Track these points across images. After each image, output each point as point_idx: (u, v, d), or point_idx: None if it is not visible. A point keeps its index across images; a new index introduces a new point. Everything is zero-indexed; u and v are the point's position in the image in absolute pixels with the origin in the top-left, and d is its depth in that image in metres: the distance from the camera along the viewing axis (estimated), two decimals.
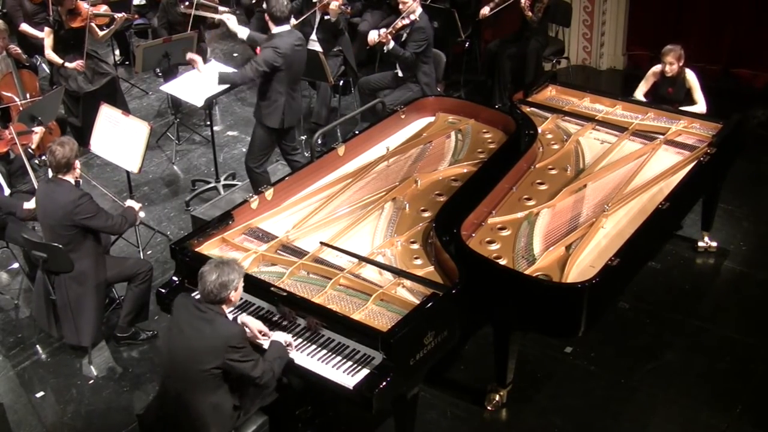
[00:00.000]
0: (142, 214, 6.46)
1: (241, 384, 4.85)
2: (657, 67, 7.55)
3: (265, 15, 7.30)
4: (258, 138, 7.69)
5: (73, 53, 8.82)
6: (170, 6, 9.62)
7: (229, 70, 7.58)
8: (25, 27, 9.49)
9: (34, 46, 9.52)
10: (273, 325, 5.17)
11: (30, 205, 6.66)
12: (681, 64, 7.36)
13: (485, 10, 9.59)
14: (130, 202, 6.44)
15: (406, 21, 8.40)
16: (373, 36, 8.56)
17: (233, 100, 10.36)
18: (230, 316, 5.10)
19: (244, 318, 5.11)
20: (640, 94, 7.64)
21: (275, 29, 7.25)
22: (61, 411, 6.06)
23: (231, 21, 7.92)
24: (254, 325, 5.07)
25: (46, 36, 8.79)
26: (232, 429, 4.88)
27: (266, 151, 7.76)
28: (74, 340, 6.34)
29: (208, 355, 4.63)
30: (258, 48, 7.69)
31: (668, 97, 7.43)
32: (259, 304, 5.28)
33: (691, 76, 7.42)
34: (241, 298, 5.31)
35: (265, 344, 4.97)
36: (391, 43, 8.42)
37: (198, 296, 4.81)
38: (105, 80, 8.99)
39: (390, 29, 8.45)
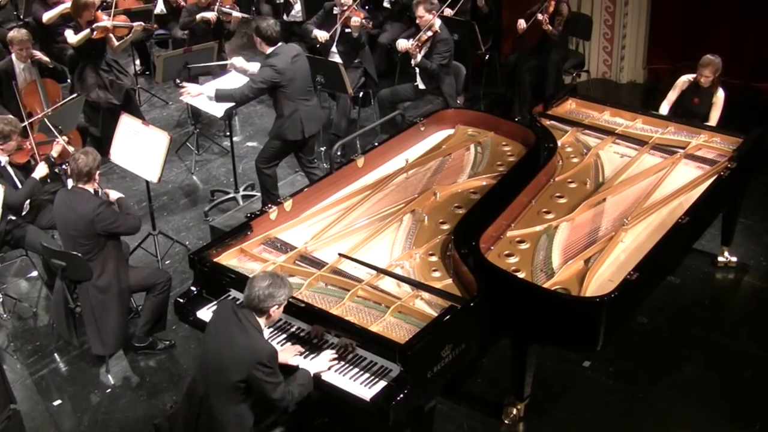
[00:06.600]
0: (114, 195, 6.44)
1: (264, 402, 4.79)
2: (687, 76, 7.55)
3: (257, 39, 7.34)
4: (272, 147, 7.71)
5: (94, 62, 8.87)
6: (194, 8, 9.68)
7: (226, 86, 7.61)
8: (47, 15, 9.58)
9: (58, 56, 9.62)
10: (291, 336, 5.18)
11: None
12: (716, 76, 7.36)
13: (522, 24, 9.38)
14: (113, 194, 6.39)
15: (429, 33, 8.47)
16: (402, 43, 8.61)
17: (253, 111, 10.39)
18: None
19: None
20: (667, 101, 7.66)
21: (269, 50, 7.33)
22: (78, 419, 6.08)
23: (237, 61, 7.93)
24: (285, 357, 4.98)
25: (69, 36, 8.81)
26: None
27: (277, 159, 7.81)
28: (99, 350, 6.34)
29: (235, 366, 4.57)
30: None
31: (692, 107, 7.41)
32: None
33: (720, 94, 7.42)
34: None
35: (293, 361, 4.93)
36: (419, 56, 8.46)
37: (241, 302, 4.75)
38: (122, 93, 9.05)
39: (415, 42, 8.50)
